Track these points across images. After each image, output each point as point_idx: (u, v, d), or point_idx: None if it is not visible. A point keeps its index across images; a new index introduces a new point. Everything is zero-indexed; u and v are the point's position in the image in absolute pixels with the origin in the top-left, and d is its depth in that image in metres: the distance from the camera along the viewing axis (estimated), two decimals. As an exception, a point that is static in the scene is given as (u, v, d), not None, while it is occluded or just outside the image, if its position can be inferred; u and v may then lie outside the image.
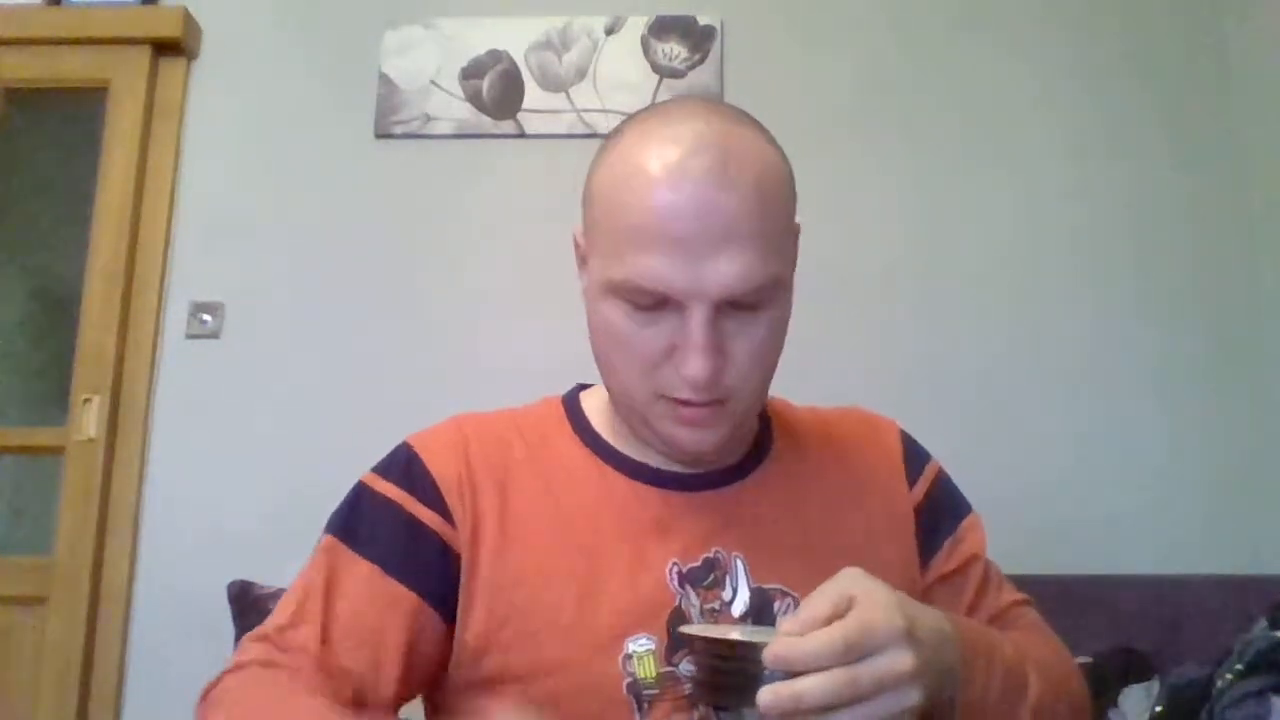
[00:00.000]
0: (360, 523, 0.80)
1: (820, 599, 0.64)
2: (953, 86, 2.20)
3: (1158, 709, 1.42)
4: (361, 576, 0.77)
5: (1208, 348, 2.05)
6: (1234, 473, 1.99)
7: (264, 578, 1.76)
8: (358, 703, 0.74)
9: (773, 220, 0.74)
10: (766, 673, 0.61)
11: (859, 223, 2.11)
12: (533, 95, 2.21)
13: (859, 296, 2.07)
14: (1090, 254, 2.10)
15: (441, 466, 0.81)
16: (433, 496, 0.80)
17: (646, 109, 0.82)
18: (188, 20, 2.23)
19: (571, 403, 0.90)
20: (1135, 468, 2.00)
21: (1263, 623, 1.31)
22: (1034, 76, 2.19)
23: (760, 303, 0.75)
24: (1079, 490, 1.97)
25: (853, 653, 0.60)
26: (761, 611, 0.78)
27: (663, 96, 2.19)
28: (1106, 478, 1.99)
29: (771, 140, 0.79)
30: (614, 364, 0.78)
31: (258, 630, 0.77)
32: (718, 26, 2.22)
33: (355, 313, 2.12)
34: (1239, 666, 1.26)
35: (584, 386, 0.93)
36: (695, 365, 0.72)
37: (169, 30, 2.21)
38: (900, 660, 0.61)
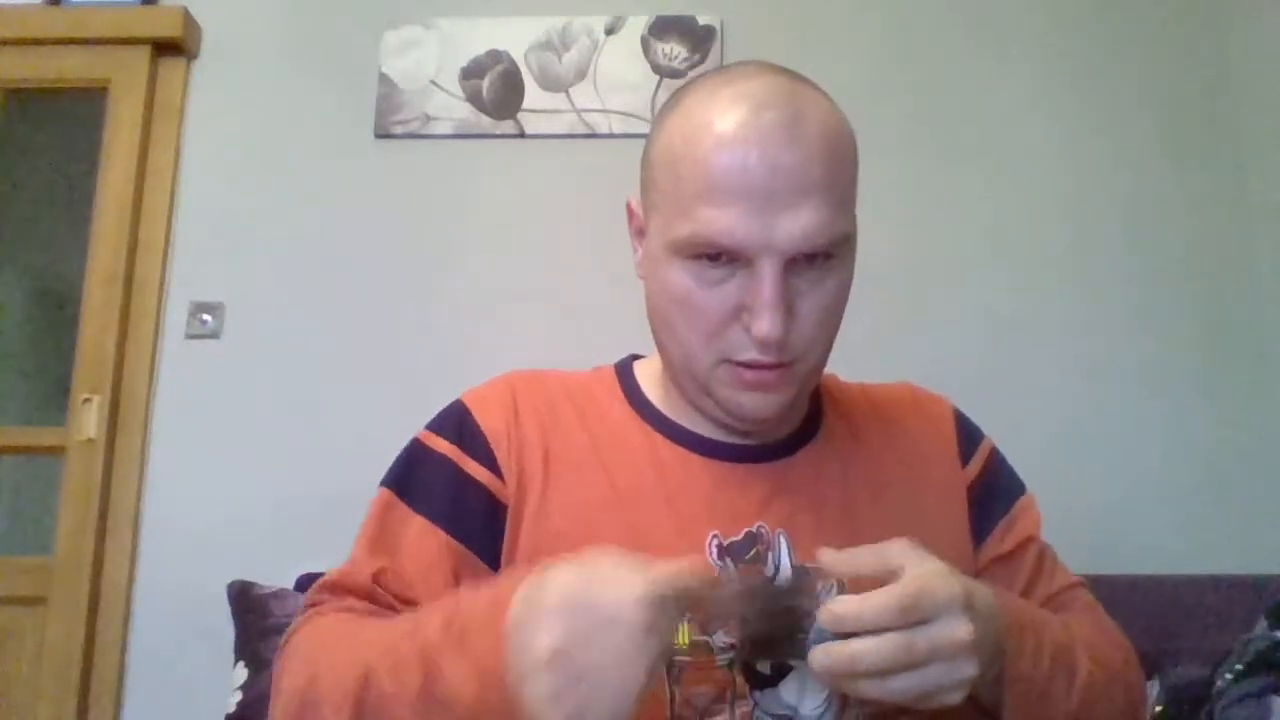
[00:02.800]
0: (414, 478, 0.81)
1: (866, 553, 0.64)
2: (950, 86, 2.20)
3: (1158, 709, 1.42)
4: (414, 530, 0.78)
5: (1206, 347, 2.05)
6: (1234, 472, 1.99)
7: (264, 578, 1.76)
8: None
9: (840, 176, 0.75)
10: (816, 629, 0.60)
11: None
12: (533, 95, 2.21)
13: (853, 296, 2.06)
14: (1087, 253, 2.10)
15: (492, 422, 0.82)
16: (483, 452, 0.80)
17: (704, 75, 0.81)
18: (188, 20, 2.23)
19: (624, 369, 0.90)
20: (1134, 467, 2.00)
21: (1263, 623, 1.31)
22: (1032, 77, 2.19)
23: (829, 260, 0.75)
24: (1077, 490, 1.97)
25: (909, 616, 0.59)
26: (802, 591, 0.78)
27: (662, 97, 2.18)
28: (1105, 477, 1.99)
29: (834, 103, 0.79)
30: (675, 329, 0.77)
31: (320, 581, 0.79)
32: (718, 26, 2.22)
33: (355, 313, 2.12)
34: (1239, 666, 1.26)
35: (637, 357, 0.92)
36: (766, 323, 0.71)
37: (169, 30, 2.21)
38: (958, 628, 0.60)
